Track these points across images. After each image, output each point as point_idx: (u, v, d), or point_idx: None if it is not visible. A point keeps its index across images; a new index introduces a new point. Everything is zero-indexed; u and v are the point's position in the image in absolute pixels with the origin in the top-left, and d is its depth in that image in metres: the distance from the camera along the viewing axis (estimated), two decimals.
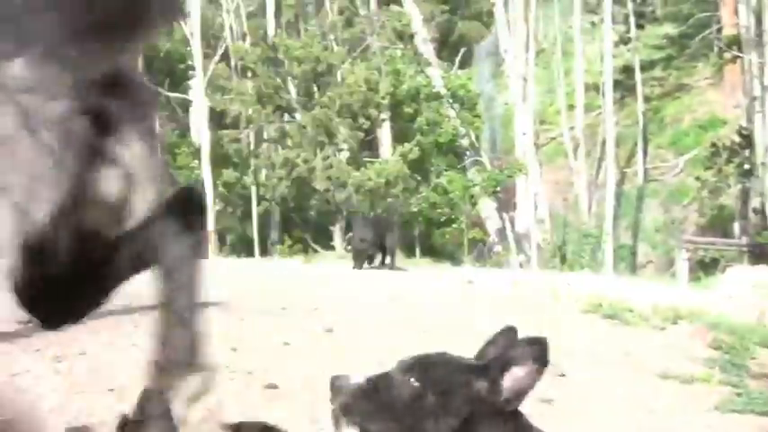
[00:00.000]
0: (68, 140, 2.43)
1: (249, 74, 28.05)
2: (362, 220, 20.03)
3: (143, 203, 2.68)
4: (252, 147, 28.94)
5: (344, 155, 26.99)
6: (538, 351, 2.72)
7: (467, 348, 10.16)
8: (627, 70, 37.34)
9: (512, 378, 2.70)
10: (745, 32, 27.59)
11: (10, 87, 2.36)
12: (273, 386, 8.28)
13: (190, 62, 27.72)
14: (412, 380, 2.81)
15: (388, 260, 19.30)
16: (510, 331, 2.95)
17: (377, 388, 2.82)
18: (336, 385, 2.84)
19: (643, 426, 8.64)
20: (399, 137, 28.29)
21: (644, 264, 30.38)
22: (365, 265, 19.07)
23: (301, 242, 27.05)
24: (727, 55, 32.22)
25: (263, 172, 27.12)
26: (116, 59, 2.61)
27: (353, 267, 18.95)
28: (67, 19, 2.46)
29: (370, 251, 19.17)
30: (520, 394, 2.71)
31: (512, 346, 2.81)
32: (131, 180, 2.64)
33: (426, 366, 2.88)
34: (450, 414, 2.77)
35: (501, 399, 2.72)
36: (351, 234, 21.48)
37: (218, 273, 17.68)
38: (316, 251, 24.89)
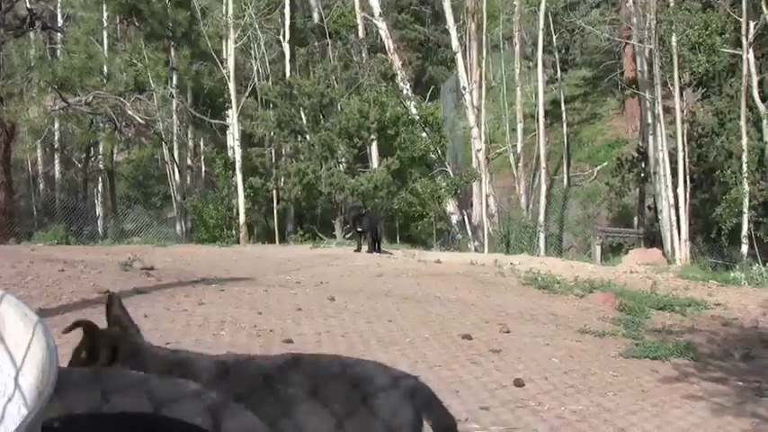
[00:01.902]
0: None
1: (271, 105, 27.93)
2: (360, 211, 19.99)
3: None
4: (273, 160, 28.84)
5: (343, 166, 26.89)
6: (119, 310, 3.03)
7: (434, 308, 10.11)
8: (554, 103, 37.40)
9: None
10: (640, 76, 27.61)
11: None
12: (289, 341, 8.26)
13: (227, 96, 27.58)
14: None
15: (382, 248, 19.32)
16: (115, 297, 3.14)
17: None
18: None
19: (567, 368, 8.65)
20: (384, 152, 28.21)
21: (568, 248, 30.39)
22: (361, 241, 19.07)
23: (311, 232, 26.99)
24: (628, 92, 32.27)
25: (282, 179, 27.01)
26: None
27: (354, 251, 18.91)
28: None
29: (361, 228, 19.15)
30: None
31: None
32: None
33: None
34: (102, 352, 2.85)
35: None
36: (350, 224, 21.50)
37: (248, 255, 17.63)
38: (321, 239, 24.77)
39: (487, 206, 27.86)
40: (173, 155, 28.92)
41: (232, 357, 3.08)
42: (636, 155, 29.41)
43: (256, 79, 28.90)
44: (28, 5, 24.08)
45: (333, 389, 2.84)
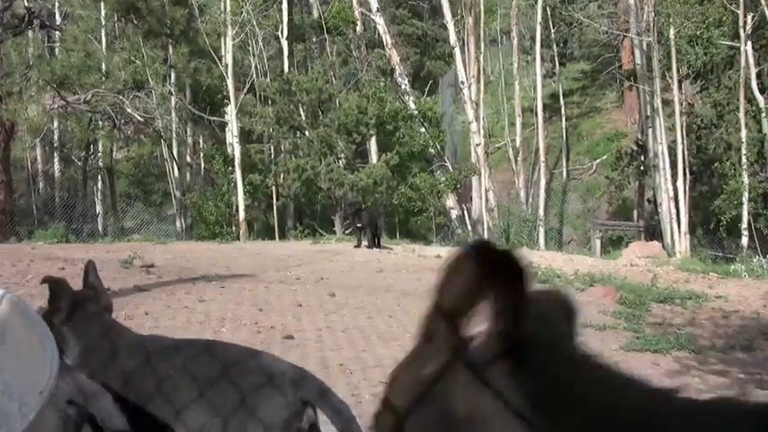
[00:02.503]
0: None
1: (270, 102, 27.91)
2: (359, 207, 20.04)
3: None
4: (272, 156, 28.80)
5: (342, 162, 26.88)
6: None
7: None
8: (553, 96, 37.34)
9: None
10: (639, 68, 27.57)
11: None
12: (290, 337, 8.27)
13: (225, 93, 27.56)
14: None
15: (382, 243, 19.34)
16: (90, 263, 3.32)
17: None
18: None
19: None
20: (383, 147, 28.19)
21: (568, 241, 30.38)
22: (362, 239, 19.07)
23: (310, 228, 26.97)
24: (627, 85, 32.25)
25: (281, 175, 26.99)
26: None
27: (354, 246, 18.92)
28: None
29: (360, 224, 19.21)
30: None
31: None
32: None
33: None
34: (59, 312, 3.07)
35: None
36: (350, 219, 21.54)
37: (248, 252, 17.63)
38: (321, 235, 24.78)
39: (487, 200, 27.85)
40: (172, 152, 28.90)
41: (131, 337, 3.25)
42: (635, 148, 29.39)
43: (255, 76, 28.87)
44: (26, 4, 24.08)
45: (205, 372, 2.95)
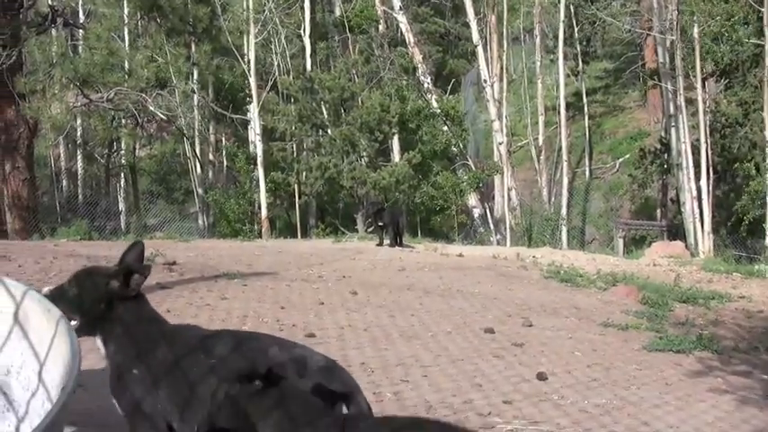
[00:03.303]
0: None
1: (292, 100, 27.95)
2: (381, 206, 20.07)
3: None
4: (295, 154, 28.83)
5: (365, 160, 26.89)
6: (144, 269, 3.36)
7: (456, 302, 10.06)
8: (576, 95, 37.26)
9: (134, 279, 3.31)
10: (662, 67, 27.48)
11: None
12: (312, 335, 8.26)
13: (248, 91, 27.62)
14: (70, 285, 3.25)
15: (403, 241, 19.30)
16: (137, 245, 3.48)
17: (60, 294, 3.13)
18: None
19: (590, 361, 8.60)
20: (406, 146, 28.20)
21: (590, 241, 30.29)
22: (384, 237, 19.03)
23: (333, 226, 27.01)
24: (650, 83, 32.10)
25: (304, 173, 27.02)
26: None
27: (376, 245, 18.91)
28: None
29: (382, 222, 19.21)
30: (137, 287, 3.32)
31: (136, 259, 3.41)
32: None
33: (79, 276, 3.35)
34: (95, 300, 3.22)
35: (129, 290, 3.29)
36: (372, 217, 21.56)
37: (270, 250, 17.65)
38: (344, 233, 24.79)
39: (509, 199, 27.79)
40: (194, 150, 28.99)
41: (172, 327, 3.48)
42: (658, 146, 29.27)
43: (277, 74, 28.94)
44: (50, 2, 24.21)
45: (235, 361, 3.11)
